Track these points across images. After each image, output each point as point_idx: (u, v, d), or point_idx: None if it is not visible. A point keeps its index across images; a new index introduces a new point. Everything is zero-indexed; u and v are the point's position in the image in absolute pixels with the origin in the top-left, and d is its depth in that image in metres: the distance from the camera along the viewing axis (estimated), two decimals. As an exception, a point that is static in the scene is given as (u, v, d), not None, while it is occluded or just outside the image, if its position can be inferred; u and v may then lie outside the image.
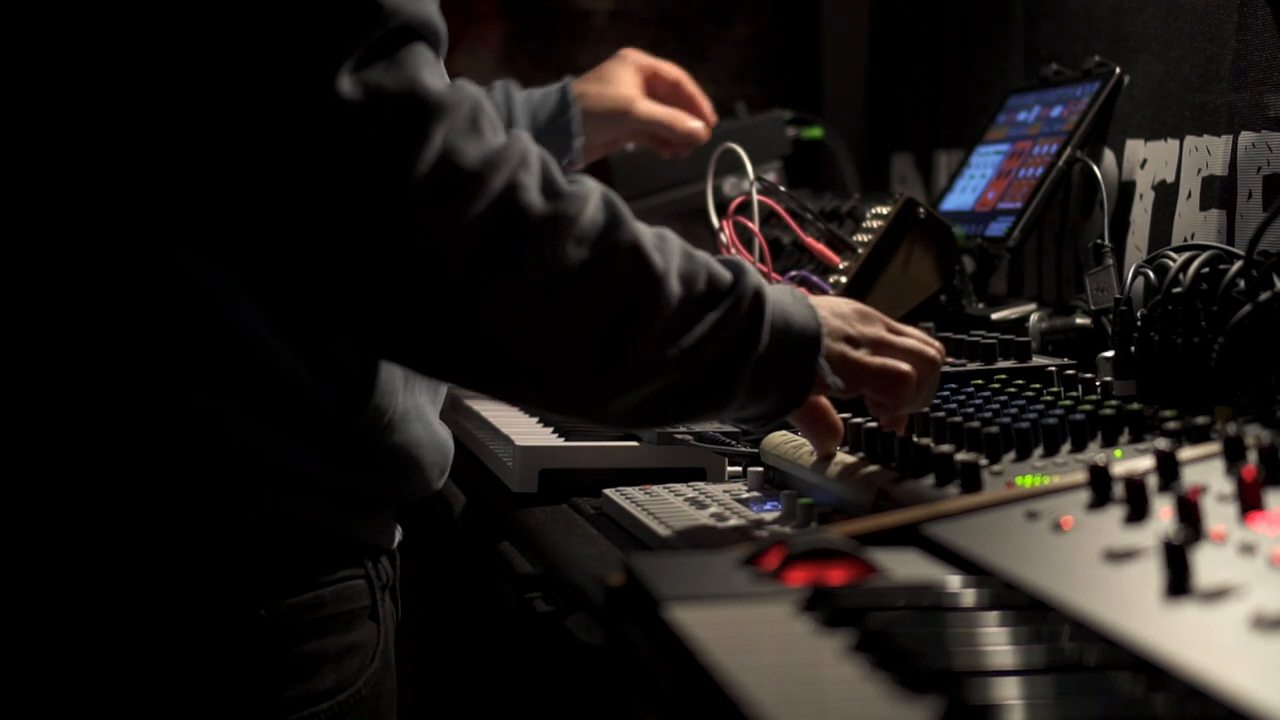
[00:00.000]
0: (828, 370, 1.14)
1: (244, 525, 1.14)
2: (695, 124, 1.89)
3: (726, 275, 1.11)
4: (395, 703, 1.32)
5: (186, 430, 1.11)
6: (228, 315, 1.11)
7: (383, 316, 1.05)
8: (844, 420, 1.27)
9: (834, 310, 1.18)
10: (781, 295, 1.14)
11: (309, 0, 1.01)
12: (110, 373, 1.10)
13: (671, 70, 1.94)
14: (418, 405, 1.22)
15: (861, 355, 1.17)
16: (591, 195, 1.07)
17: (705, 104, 1.95)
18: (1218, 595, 0.78)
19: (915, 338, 1.22)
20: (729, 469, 1.49)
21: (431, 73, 1.04)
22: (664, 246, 1.09)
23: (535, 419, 1.66)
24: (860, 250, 1.74)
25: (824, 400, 1.23)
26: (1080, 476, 0.99)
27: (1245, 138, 1.62)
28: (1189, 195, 1.70)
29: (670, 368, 1.08)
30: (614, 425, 1.13)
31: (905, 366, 1.18)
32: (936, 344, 1.23)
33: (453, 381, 1.21)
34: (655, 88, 1.93)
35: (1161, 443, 1.01)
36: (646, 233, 1.09)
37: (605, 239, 1.06)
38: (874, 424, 1.25)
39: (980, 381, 1.42)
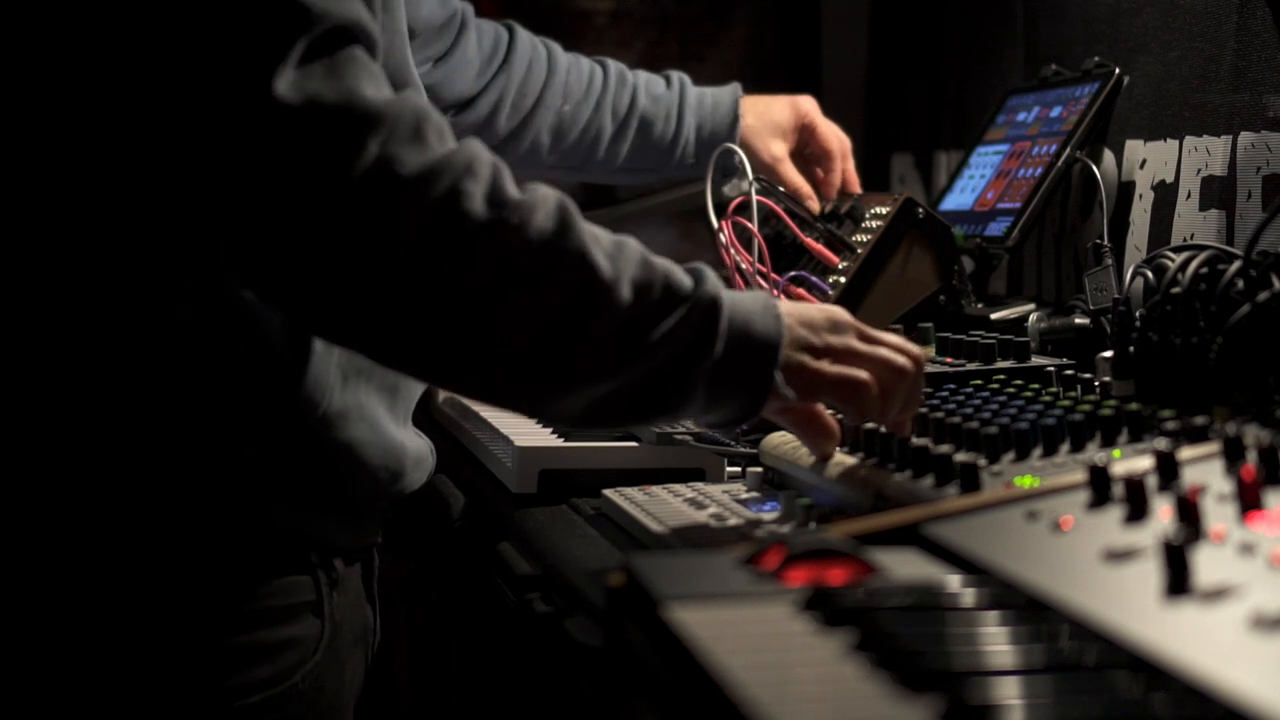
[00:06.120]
0: (781, 381, 1.14)
1: (180, 517, 1.16)
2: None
3: (685, 283, 1.12)
4: (349, 698, 1.33)
5: (122, 416, 1.14)
6: (163, 296, 1.14)
7: (328, 311, 1.09)
8: (841, 421, 1.27)
9: (802, 319, 1.18)
10: (748, 303, 1.14)
11: (238, 6, 1.03)
12: (41, 355, 1.14)
13: (831, 138, 1.91)
14: (361, 405, 1.23)
15: (821, 365, 1.17)
16: (541, 204, 1.09)
17: (850, 180, 1.92)
18: (1217, 595, 0.78)
19: (888, 346, 1.20)
20: (728, 469, 1.49)
21: (371, 82, 1.06)
22: (618, 255, 1.10)
23: (535, 419, 1.66)
24: (859, 250, 1.74)
25: (814, 404, 1.23)
26: (1079, 476, 0.99)
27: (1244, 138, 1.62)
28: (1188, 195, 1.71)
29: (618, 371, 1.09)
30: (564, 424, 1.15)
31: (863, 375, 1.17)
32: (914, 351, 1.21)
33: (404, 372, 1.22)
34: (810, 145, 1.91)
35: (1161, 443, 1.01)
36: (601, 240, 1.10)
37: (550, 247, 1.07)
38: (873, 424, 1.25)
39: (979, 382, 1.41)
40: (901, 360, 1.19)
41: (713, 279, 1.13)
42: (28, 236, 1.14)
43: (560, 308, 1.07)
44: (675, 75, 1.90)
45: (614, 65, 1.89)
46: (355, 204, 1.03)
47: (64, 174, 1.13)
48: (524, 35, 1.86)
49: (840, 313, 1.21)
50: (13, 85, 1.12)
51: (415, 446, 1.30)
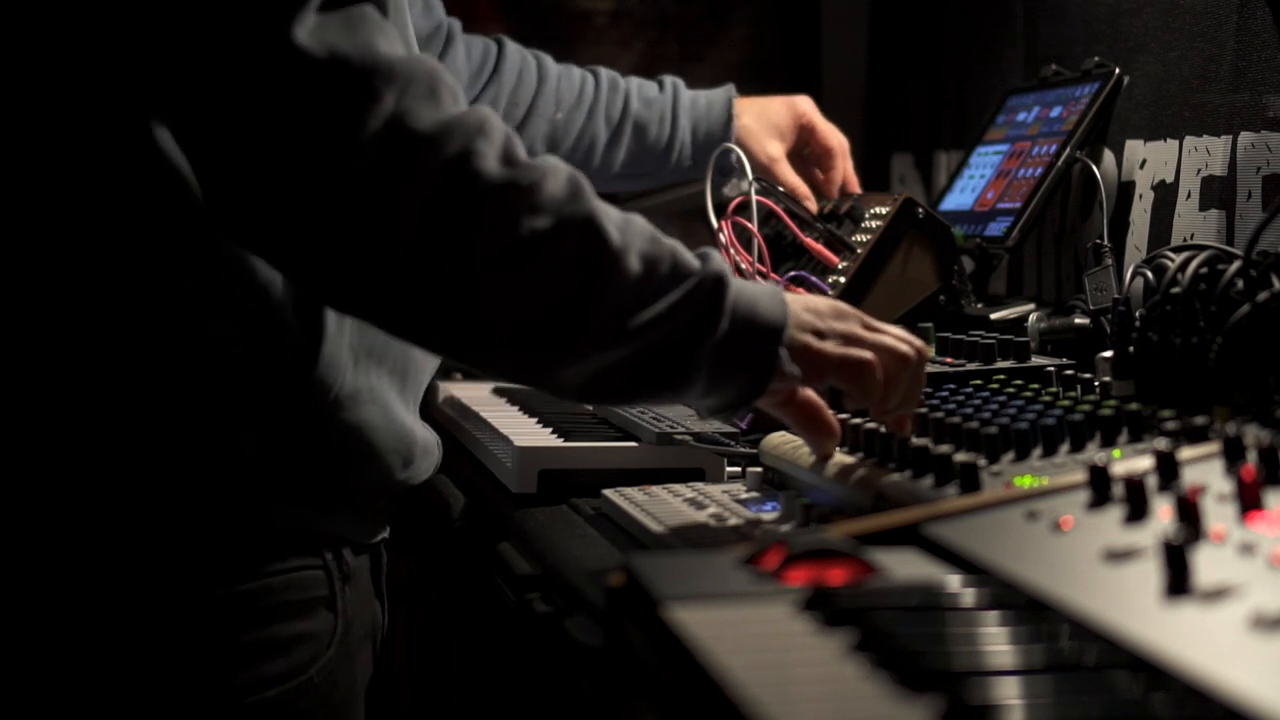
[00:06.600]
0: (786, 359, 1.15)
1: (192, 513, 1.16)
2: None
3: (692, 260, 1.13)
4: (360, 692, 1.33)
5: (131, 415, 1.14)
6: (175, 292, 1.13)
7: (335, 270, 1.08)
8: (842, 421, 1.27)
9: (807, 306, 1.19)
10: (754, 288, 1.15)
11: None
12: (53, 353, 1.13)
13: (830, 138, 1.91)
14: (372, 388, 1.23)
15: (826, 346, 1.17)
16: (553, 171, 1.09)
17: (849, 180, 1.92)
18: (1217, 595, 0.78)
19: (891, 335, 1.21)
20: (728, 470, 1.49)
21: (385, 38, 1.07)
22: (627, 227, 1.11)
23: (535, 419, 1.66)
24: (859, 250, 1.74)
25: (817, 400, 1.23)
26: (1079, 476, 0.99)
27: (1244, 138, 1.62)
28: (1188, 195, 1.71)
29: (625, 342, 1.09)
30: (567, 396, 1.14)
31: (868, 356, 1.18)
32: (917, 343, 1.22)
33: (407, 339, 1.22)
34: (809, 145, 1.91)
35: (1161, 443, 1.01)
36: (610, 213, 1.11)
37: (561, 211, 1.08)
38: (873, 424, 1.25)
39: (979, 381, 1.42)
40: (905, 348, 1.21)
41: (718, 259, 1.14)
42: (30, 223, 1.13)
43: (569, 271, 1.07)
44: (668, 79, 1.90)
45: (605, 72, 1.89)
46: (369, 156, 1.03)
47: (68, 157, 1.12)
48: (513, 47, 1.86)
49: (844, 304, 1.22)
50: (18, 61, 1.11)
51: (424, 435, 1.31)
